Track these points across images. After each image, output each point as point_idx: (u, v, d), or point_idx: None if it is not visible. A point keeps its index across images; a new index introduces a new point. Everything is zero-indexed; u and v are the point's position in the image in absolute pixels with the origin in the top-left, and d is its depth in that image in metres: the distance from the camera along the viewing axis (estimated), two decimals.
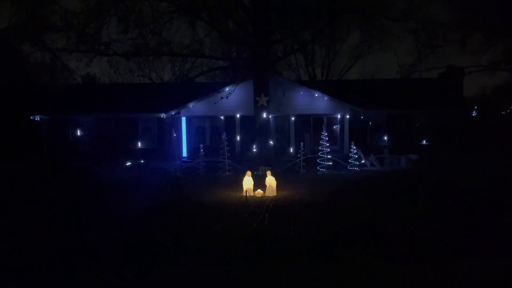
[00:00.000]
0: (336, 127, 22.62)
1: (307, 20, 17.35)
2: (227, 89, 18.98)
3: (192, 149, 21.21)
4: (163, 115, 21.42)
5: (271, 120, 19.59)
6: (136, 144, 22.54)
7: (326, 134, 17.13)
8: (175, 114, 20.99)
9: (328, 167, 17.06)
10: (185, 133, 21.41)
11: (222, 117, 21.81)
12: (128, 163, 17.79)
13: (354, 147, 17.70)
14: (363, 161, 18.33)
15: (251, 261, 6.01)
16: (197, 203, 10.56)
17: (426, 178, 14.89)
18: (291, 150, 20.47)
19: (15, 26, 17.31)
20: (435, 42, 18.12)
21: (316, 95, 20.31)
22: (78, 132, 22.84)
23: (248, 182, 11.47)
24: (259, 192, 11.43)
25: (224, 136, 17.37)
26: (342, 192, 12.02)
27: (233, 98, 18.83)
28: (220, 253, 6.38)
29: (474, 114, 21.58)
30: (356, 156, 17.93)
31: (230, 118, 21.31)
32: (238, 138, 20.56)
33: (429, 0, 17.67)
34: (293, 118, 20.68)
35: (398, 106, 22.27)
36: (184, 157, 20.48)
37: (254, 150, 17.68)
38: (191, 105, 20.68)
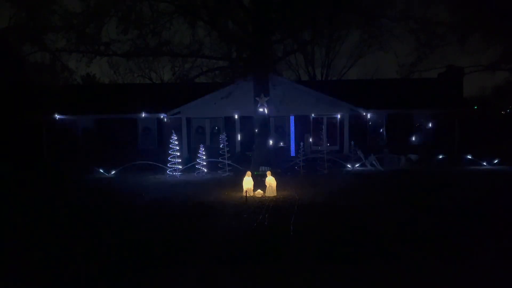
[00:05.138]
0: (336, 127, 22.62)
1: (307, 20, 17.34)
2: (226, 89, 18.96)
3: (192, 150, 21.21)
4: (163, 116, 21.42)
5: (271, 120, 19.59)
6: (136, 145, 22.54)
7: (326, 134, 17.14)
8: (175, 114, 20.99)
9: (328, 167, 17.06)
10: (185, 133, 21.41)
11: (222, 117, 21.81)
12: (128, 164, 17.78)
13: (354, 147, 17.69)
14: (363, 161, 18.32)
15: (250, 262, 6.00)
16: (197, 203, 10.55)
17: (427, 178, 14.88)
18: (291, 150, 20.47)
19: (15, 26, 17.30)
20: (435, 42, 18.11)
21: (316, 95, 20.30)
22: (78, 133, 22.83)
23: (248, 182, 11.46)
24: (259, 192, 11.42)
25: (224, 136, 17.38)
26: (342, 192, 12.01)
27: (233, 98, 18.83)
28: (220, 254, 6.37)
29: (474, 114, 21.59)
30: (356, 156, 17.93)
31: (230, 118, 21.32)
32: (238, 138, 20.55)
33: (429, 0, 17.52)
34: (293, 118, 20.67)
35: (398, 106, 22.28)
36: (184, 158, 20.46)
37: (254, 150, 17.69)
38: (191, 105, 20.68)
